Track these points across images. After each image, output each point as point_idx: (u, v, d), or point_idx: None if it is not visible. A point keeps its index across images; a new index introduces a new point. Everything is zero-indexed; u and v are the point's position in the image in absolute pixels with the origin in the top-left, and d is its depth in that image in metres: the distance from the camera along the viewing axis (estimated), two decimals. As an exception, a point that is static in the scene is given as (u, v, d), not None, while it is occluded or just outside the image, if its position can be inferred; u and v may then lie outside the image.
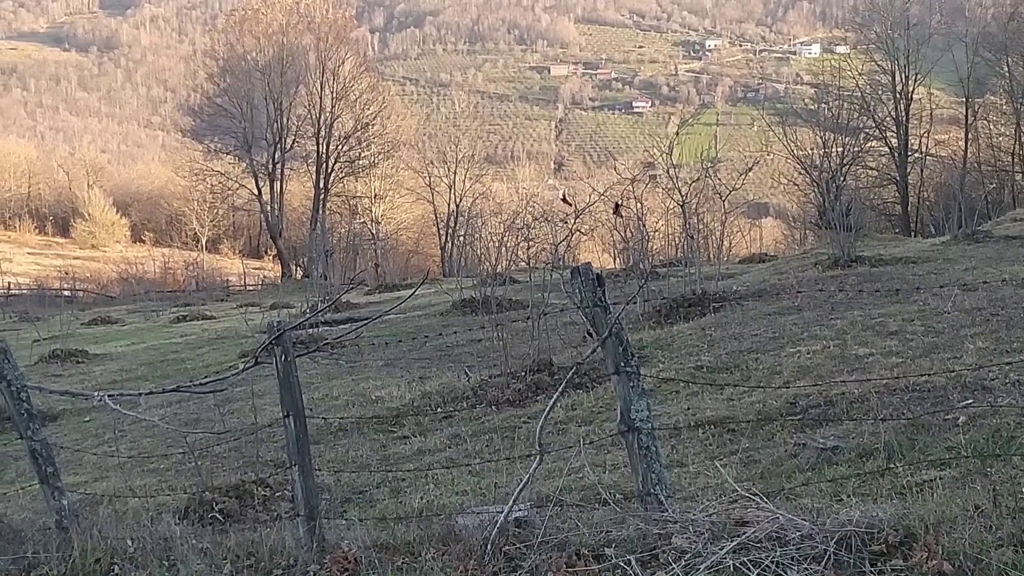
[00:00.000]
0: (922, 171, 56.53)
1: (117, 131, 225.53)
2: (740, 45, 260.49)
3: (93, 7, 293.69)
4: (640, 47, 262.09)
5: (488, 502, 7.05)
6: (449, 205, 68.08)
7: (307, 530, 6.28)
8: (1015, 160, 53.84)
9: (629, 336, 5.64)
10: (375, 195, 70.10)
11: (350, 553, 5.92)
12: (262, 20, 70.85)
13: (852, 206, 27.01)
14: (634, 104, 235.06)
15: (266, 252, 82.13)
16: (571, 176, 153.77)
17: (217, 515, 8.53)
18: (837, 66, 58.58)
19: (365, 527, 6.52)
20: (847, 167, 51.38)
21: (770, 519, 5.02)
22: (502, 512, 5.61)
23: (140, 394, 8.08)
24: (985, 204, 44.29)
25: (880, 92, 57.54)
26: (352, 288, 36.21)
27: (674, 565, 4.84)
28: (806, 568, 4.63)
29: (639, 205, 20.79)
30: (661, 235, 28.38)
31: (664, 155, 25.27)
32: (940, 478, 6.30)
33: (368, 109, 69.30)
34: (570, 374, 6.60)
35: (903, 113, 56.34)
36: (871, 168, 56.96)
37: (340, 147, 68.42)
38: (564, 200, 14.09)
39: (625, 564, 4.96)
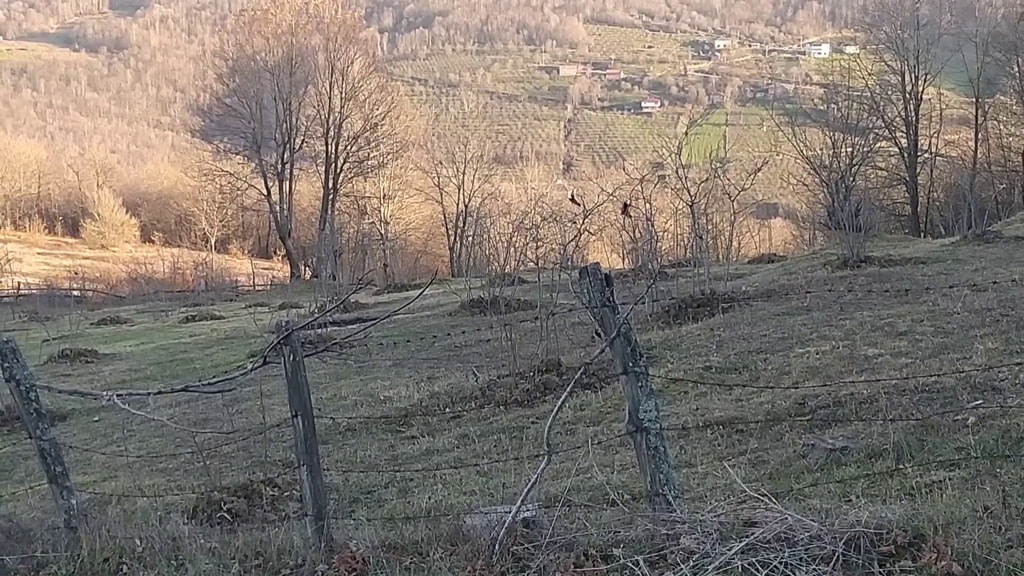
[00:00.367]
0: (932, 171, 56.39)
1: (127, 131, 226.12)
2: (749, 45, 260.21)
3: (103, 7, 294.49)
4: (649, 47, 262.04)
5: (496, 502, 7.05)
6: (458, 205, 68.07)
7: (315, 530, 6.29)
8: (1025, 160, 53.73)
9: (637, 336, 5.63)
10: (384, 195, 70.13)
11: (358, 553, 5.92)
12: (271, 20, 70.95)
13: (861, 206, 26.97)
14: (643, 104, 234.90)
15: (275, 252, 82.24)
16: (580, 176, 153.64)
17: (225, 515, 8.54)
18: (847, 66, 58.51)
19: (373, 527, 6.53)
20: (856, 167, 51.28)
21: (779, 520, 5.01)
22: (510, 512, 5.60)
23: (149, 394, 8.10)
24: (995, 204, 44.16)
25: (890, 92, 57.43)
26: (361, 288, 36.27)
27: (682, 566, 4.83)
28: (815, 569, 4.62)
29: (648, 205, 20.76)
30: (670, 235, 28.31)
31: (673, 155, 25.28)
32: (949, 479, 6.28)
33: (377, 109, 69.37)
34: (578, 374, 6.59)
35: (913, 113, 56.24)
36: (880, 168, 56.86)
37: (349, 147, 68.51)
38: (573, 200, 14.09)
39: (633, 564, 4.95)
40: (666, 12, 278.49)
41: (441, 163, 71.27)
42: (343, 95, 68.09)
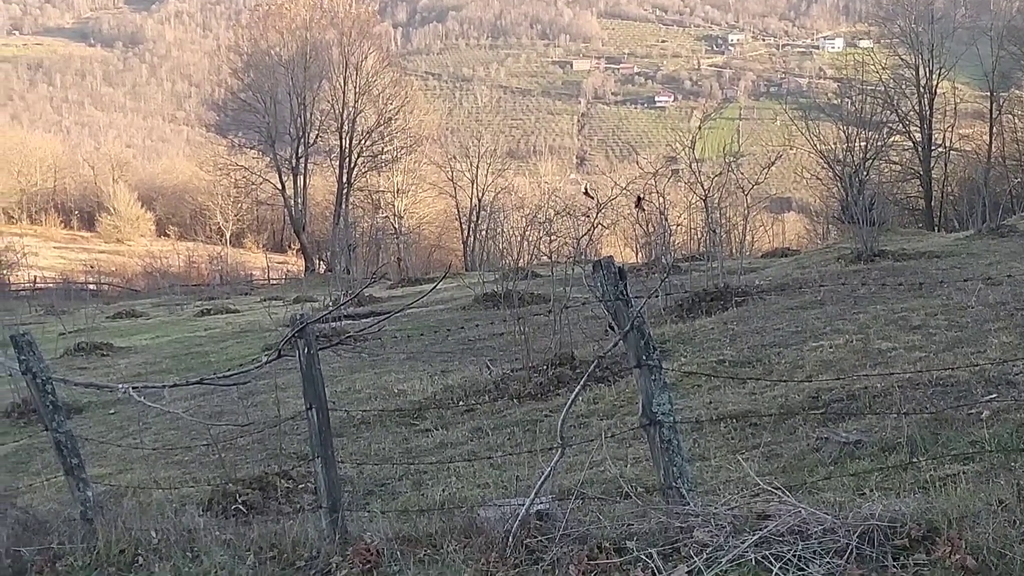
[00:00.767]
0: (946, 165, 56.12)
1: (142, 126, 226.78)
2: (763, 39, 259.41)
3: (118, 3, 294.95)
4: (663, 41, 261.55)
5: (510, 495, 7.06)
6: (471, 199, 67.99)
7: (330, 522, 6.31)
8: (1040, 154, 53.48)
9: (651, 330, 5.63)
10: (398, 189, 70.11)
11: (372, 545, 5.94)
12: (286, 15, 71.01)
13: (875, 200, 26.86)
14: (657, 99, 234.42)
15: (289, 246, 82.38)
16: (593, 170, 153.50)
17: (240, 507, 8.57)
18: (860, 60, 58.14)
19: (387, 519, 6.55)
20: (870, 161, 51.06)
21: (792, 513, 5.01)
22: (524, 505, 5.62)
23: (164, 387, 8.13)
24: (1009, 199, 43.85)
25: (904, 86, 57.15)
26: (375, 282, 36.31)
27: (695, 559, 4.84)
28: (828, 562, 4.63)
29: (661, 199, 20.75)
30: (683, 229, 28.25)
31: (687, 149, 25.23)
32: (963, 472, 6.27)
33: (391, 104, 69.35)
34: (592, 368, 6.60)
35: (927, 107, 55.98)
36: (894, 162, 56.62)
37: (363, 142, 68.50)
38: (586, 193, 14.04)
39: (647, 557, 4.96)
40: (680, 6, 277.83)
41: (455, 157, 71.16)
42: (357, 90, 68.08)
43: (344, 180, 68.21)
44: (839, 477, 6.77)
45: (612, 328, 5.71)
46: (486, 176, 67.92)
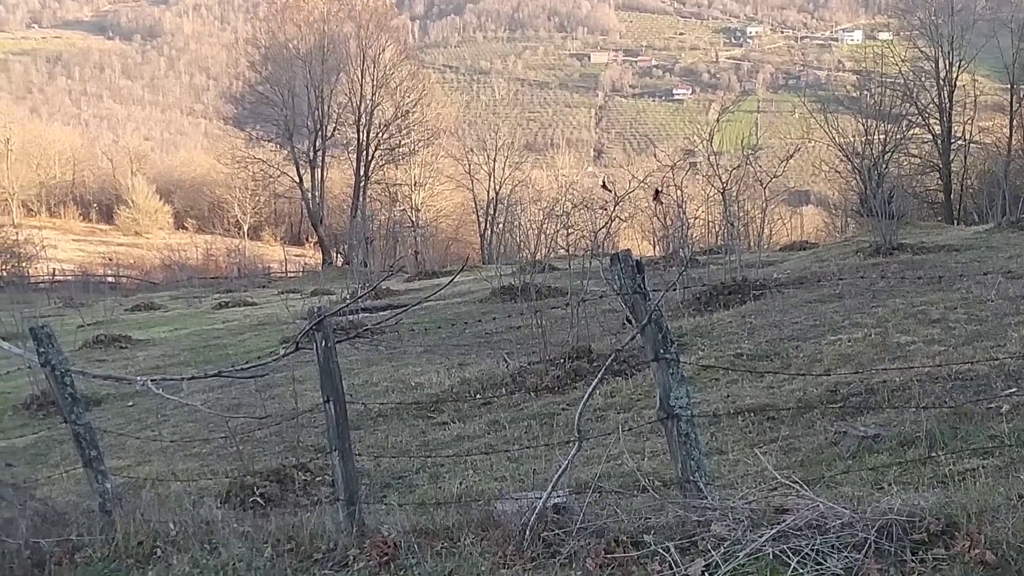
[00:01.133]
0: (965, 158, 55.81)
1: (160, 119, 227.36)
2: (781, 32, 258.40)
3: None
4: (681, 34, 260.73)
5: (527, 488, 7.06)
6: (488, 192, 68.08)
7: (347, 514, 6.32)
8: (1061, 147, 53.13)
9: (669, 323, 5.63)
10: (415, 182, 70.22)
11: (390, 538, 5.95)
12: (303, 8, 71.11)
13: (894, 193, 26.78)
14: (674, 91, 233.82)
15: (307, 239, 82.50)
16: (611, 163, 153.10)
17: (258, 499, 8.59)
18: (879, 53, 57.82)
19: (404, 512, 6.55)
20: (889, 154, 50.79)
21: (810, 507, 5.00)
22: (541, 498, 5.62)
23: (183, 379, 8.17)
24: (1030, 191, 43.67)
25: (923, 79, 56.84)
26: (392, 275, 36.32)
27: (713, 552, 4.83)
28: (846, 556, 4.61)
29: (679, 192, 20.71)
30: (701, 222, 28.22)
31: (705, 142, 25.16)
32: (983, 467, 6.24)
33: (408, 97, 69.43)
34: (609, 361, 6.59)
35: (946, 100, 55.66)
36: (913, 155, 56.32)
37: (380, 135, 68.59)
38: (604, 186, 14.03)
39: (664, 551, 4.96)
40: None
41: (472, 150, 71.25)
42: (375, 83, 68.14)
43: (361, 173, 68.29)
44: (857, 471, 6.75)
45: (630, 321, 5.70)
46: (503, 169, 68.00)
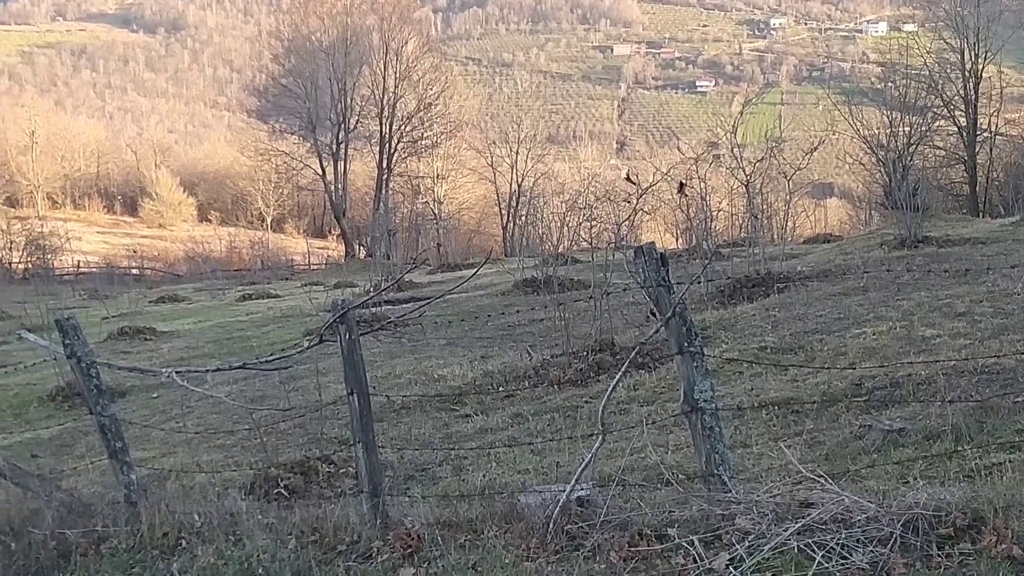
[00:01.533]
0: (991, 150, 55.40)
1: (184, 111, 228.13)
2: (805, 24, 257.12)
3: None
4: (704, 26, 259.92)
5: (550, 481, 7.07)
6: (511, 185, 67.96)
7: (371, 507, 6.34)
8: (1088, 139, 52.70)
9: (692, 316, 5.61)
10: (437, 175, 70.20)
11: (413, 530, 5.97)
12: (326, 1, 71.16)
13: (919, 186, 26.64)
14: (698, 83, 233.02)
15: (330, 232, 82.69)
16: (634, 156, 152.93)
17: (282, 491, 8.62)
18: (904, 44, 57.51)
19: (428, 504, 6.57)
20: (914, 147, 50.46)
21: (835, 501, 4.98)
22: (564, 491, 5.62)
23: (207, 371, 8.17)
24: (1057, 184, 43.33)
25: (948, 70, 56.42)
26: (415, 268, 36.38)
27: (737, 546, 4.82)
28: (872, 550, 4.60)
29: (703, 185, 20.64)
30: (725, 215, 28.11)
31: (728, 135, 25.00)
32: (1010, 461, 6.20)
33: (431, 89, 69.43)
34: (633, 354, 6.59)
35: (972, 92, 55.27)
36: (938, 148, 55.94)
37: (403, 127, 68.62)
38: (628, 179, 13.98)
39: (688, 544, 4.95)
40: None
41: (494, 143, 71.14)
42: (397, 75, 68.18)
43: (384, 166, 68.36)
44: (882, 465, 6.73)
45: (653, 314, 5.70)
46: (526, 161, 67.90)
